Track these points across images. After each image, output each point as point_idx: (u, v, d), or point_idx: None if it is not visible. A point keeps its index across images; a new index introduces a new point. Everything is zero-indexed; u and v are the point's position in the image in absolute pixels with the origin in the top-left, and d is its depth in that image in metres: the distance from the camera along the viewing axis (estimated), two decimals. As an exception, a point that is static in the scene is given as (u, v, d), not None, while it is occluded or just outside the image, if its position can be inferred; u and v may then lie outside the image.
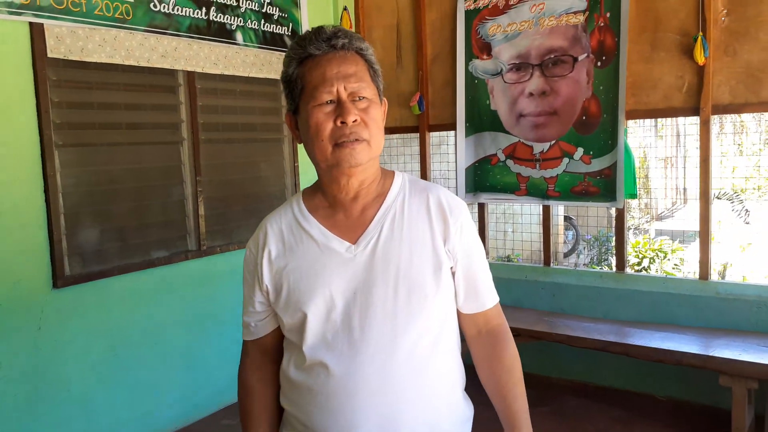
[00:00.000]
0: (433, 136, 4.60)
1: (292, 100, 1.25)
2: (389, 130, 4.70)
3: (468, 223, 1.26)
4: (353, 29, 4.63)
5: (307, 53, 1.19)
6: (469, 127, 4.22)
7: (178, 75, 3.51)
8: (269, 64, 4.03)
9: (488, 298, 1.30)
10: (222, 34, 3.68)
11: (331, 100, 1.18)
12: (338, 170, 1.19)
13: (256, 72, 3.94)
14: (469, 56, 4.19)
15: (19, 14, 2.75)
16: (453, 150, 5.13)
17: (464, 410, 1.31)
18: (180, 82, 3.52)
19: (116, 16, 3.11)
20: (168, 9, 3.36)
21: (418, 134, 4.55)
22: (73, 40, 2.96)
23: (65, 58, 2.94)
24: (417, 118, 4.49)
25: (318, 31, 1.20)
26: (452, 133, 4.89)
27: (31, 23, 2.81)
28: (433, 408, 1.21)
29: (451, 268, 1.24)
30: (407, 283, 1.19)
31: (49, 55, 2.89)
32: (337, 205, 1.26)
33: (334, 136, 1.17)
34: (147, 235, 3.35)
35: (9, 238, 2.74)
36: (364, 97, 1.19)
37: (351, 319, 1.19)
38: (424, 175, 4.54)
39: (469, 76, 4.19)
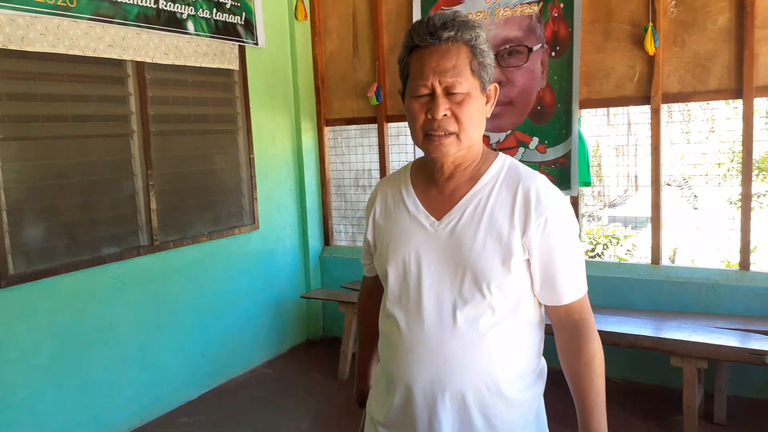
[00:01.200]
0: (391, 127, 4.58)
1: (403, 84, 1.35)
2: (346, 121, 4.67)
3: (557, 218, 1.27)
4: (308, 19, 4.57)
5: (414, 44, 1.26)
6: (427, 117, 4.22)
7: (127, 65, 3.40)
8: (222, 54, 3.94)
9: (567, 293, 1.31)
10: (172, 23, 3.57)
11: (425, 94, 1.25)
12: (431, 156, 1.30)
13: (208, 62, 3.84)
14: (426, 46, 4.17)
15: (-48, 0, 2.61)
16: (411, 141, 5.14)
17: (519, 389, 1.33)
18: (129, 72, 3.41)
19: (59, 3, 2.98)
20: (114, -4, 3.23)
21: (377, 125, 4.52)
22: (12, 29, 2.82)
23: (4, 47, 2.80)
24: (374, 109, 4.46)
25: (427, 21, 1.25)
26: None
27: (-35, 10, 2.67)
28: (481, 380, 1.28)
29: (528, 259, 1.27)
30: (473, 268, 1.26)
31: (-13, 44, 2.75)
32: (433, 182, 1.35)
33: (425, 128, 1.26)
34: (96, 231, 3.24)
35: (-53, 236, 2.61)
36: (457, 92, 1.23)
37: (422, 286, 1.31)
38: (382, 166, 4.53)
39: (426, 66, 4.18)
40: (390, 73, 4.39)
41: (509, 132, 3.95)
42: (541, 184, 1.29)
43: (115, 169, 3.36)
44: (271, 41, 4.34)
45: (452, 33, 1.22)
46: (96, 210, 3.25)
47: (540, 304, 1.36)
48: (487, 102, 1.31)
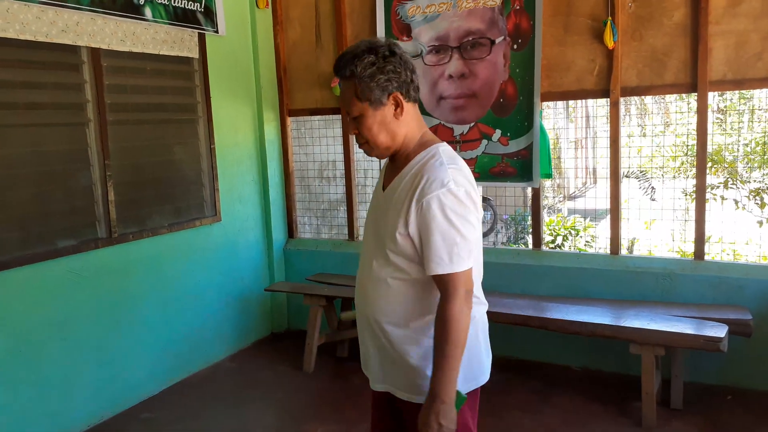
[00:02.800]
0: (355, 118, 4.55)
1: None
2: (309, 112, 4.62)
3: (433, 206, 1.55)
4: (269, 7, 4.50)
5: None
6: (391, 108, 4.21)
7: (82, 52, 3.28)
8: (181, 42, 3.84)
9: (432, 267, 1.58)
10: (129, 8, 3.46)
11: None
12: None
13: (167, 50, 3.74)
14: (390, 37, 4.16)
15: None
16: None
17: (406, 326, 1.68)
18: (84, 59, 3.29)
19: (8, -15, 2.85)
20: (67, -21, 3.11)
21: (340, 116, 4.49)
22: (-43, 11, 2.69)
23: (-51, 30, 2.67)
24: (338, 100, 4.43)
25: (336, 62, 1.64)
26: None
27: None
28: (379, 310, 1.70)
29: (410, 234, 1.60)
30: (381, 230, 1.68)
31: (-70, 26, 2.61)
32: (391, 161, 1.76)
33: (356, 140, 1.72)
34: (51, 223, 3.12)
35: None
36: (355, 117, 1.64)
37: (366, 237, 1.79)
38: (347, 157, 4.50)
39: (390, 57, 4.17)
40: (354, 63, 4.35)
41: (472, 124, 3.97)
42: (434, 175, 1.57)
43: (71, 159, 3.25)
44: (232, 29, 4.26)
45: (340, 73, 1.62)
46: (50, 202, 3.13)
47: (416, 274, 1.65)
48: (397, 107, 1.63)
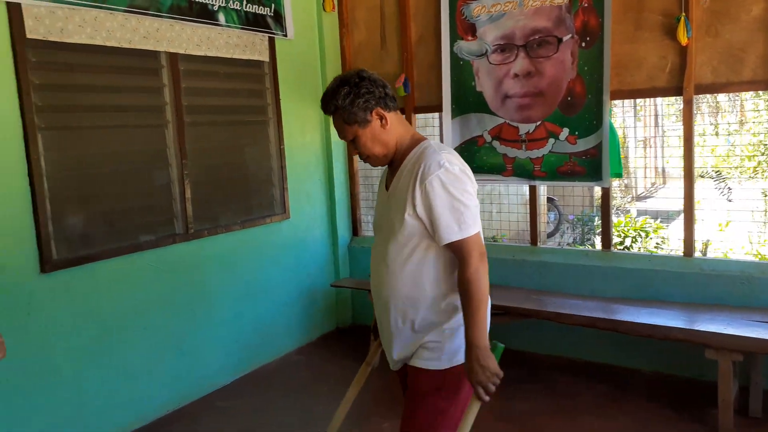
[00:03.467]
0: (419, 118, 4.60)
1: None
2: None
3: (434, 186, 1.76)
4: (336, 10, 4.59)
5: None
6: (455, 108, 4.23)
7: (161, 56, 3.45)
8: (252, 46, 3.98)
9: (444, 236, 1.78)
10: (204, 14, 3.62)
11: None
12: None
13: (239, 53, 3.89)
14: (454, 37, 4.18)
15: (-3, -7, 2.68)
16: (438, 132, 5.14)
17: (419, 301, 1.88)
18: (163, 63, 3.46)
19: (96, -5, 3.04)
20: (150, -12, 3.29)
21: (404, 116, 4.53)
22: (52, 21, 2.89)
23: (45, 39, 2.87)
24: (402, 100, 4.47)
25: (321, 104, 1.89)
26: (437, 114, 4.91)
27: (8, 3, 2.73)
28: (397, 295, 1.89)
29: (418, 215, 1.79)
30: (390, 221, 1.88)
31: (28, 35, 2.81)
32: (390, 164, 1.97)
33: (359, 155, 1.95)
34: (134, 218, 3.31)
35: (-7, 222, 2.69)
36: (351, 139, 1.87)
37: (376, 234, 2.02)
38: (410, 157, 4.52)
39: (455, 58, 4.19)
40: (418, 64, 4.40)
41: (539, 123, 3.93)
42: (430, 160, 1.78)
43: (152, 158, 3.43)
44: (300, 33, 4.38)
45: (327, 111, 1.86)
46: (133, 198, 3.32)
47: (444, 249, 1.83)
48: (381, 121, 1.84)
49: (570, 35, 3.78)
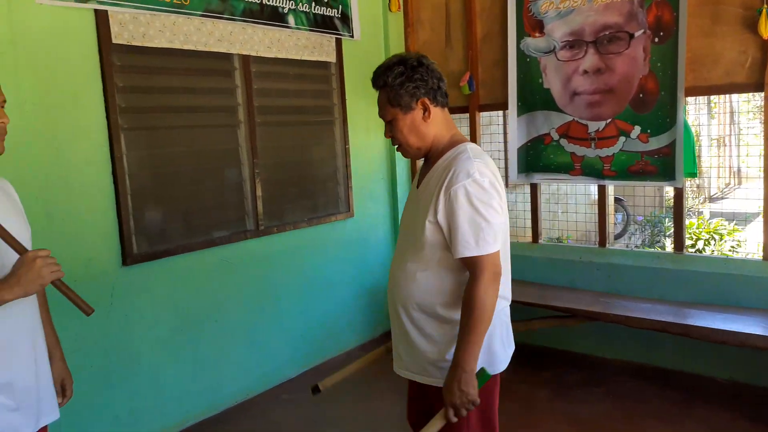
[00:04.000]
0: (483, 116, 4.57)
1: None
2: (438, 111, 4.68)
3: (459, 196, 1.70)
4: (401, 10, 4.63)
5: None
6: (522, 106, 4.18)
7: (234, 59, 3.57)
8: (320, 47, 4.06)
9: (458, 250, 1.71)
10: (274, 17, 3.72)
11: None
12: None
13: (308, 55, 3.98)
14: (521, 34, 4.13)
15: (85, 1, 2.84)
16: (502, 130, 5.09)
17: (431, 312, 1.83)
18: (236, 65, 3.58)
19: (174, 1, 3.18)
20: (224, -7, 3.41)
21: (468, 114, 4.52)
22: (135, 26, 3.04)
23: (128, 43, 3.02)
24: (467, 98, 4.46)
25: (372, 76, 1.85)
26: (501, 113, 4.86)
27: (96, 10, 2.90)
28: (411, 301, 1.84)
29: (438, 223, 1.74)
30: (415, 223, 1.82)
31: (114, 41, 2.97)
32: (425, 162, 1.92)
33: (392, 143, 1.90)
34: (208, 215, 3.45)
35: (81, 217, 2.86)
36: (389, 121, 1.83)
37: (401, 232, 1.96)
38: (474, 155, 4.51)
39: (521, 55, 4.14)
40: (483, 61, 4.37)
41: (609, 121, 3.84)
42: (460, 167, 1.71)
43: (225, 157, 3.56)
44: (366, 33, 4.43)
45: (375, 84, 1.84)
46: (207, 196, 3.45)
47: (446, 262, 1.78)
48: (425, 112, 1.80)
49: (642, 30, 3.67)
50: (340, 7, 4.19)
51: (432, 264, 1.78)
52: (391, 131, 1.83)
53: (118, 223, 3.00)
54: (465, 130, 4.69)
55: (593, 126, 3.91)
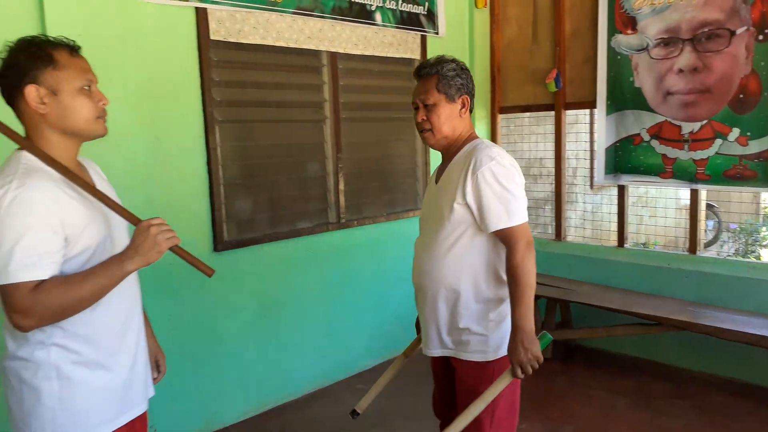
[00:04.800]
0: (568, 115, 4.46)
1: None
2: (521, 109, 4.63)
3: (485, 175, 1.87)
4: (487, 6, 4.59)
5: (415, 81, 2.06)
6: (611, 105, 4.05)
7: (322, 56, 3.66)
8: (405, 44, 4.09)
9: (493, 223, 1.88)
10: (362, 14, 3.79)
11: (415, 108, 2.04)
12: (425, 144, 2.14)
13: (393, 52, 4.02)
14: (612, 31, 4.00)
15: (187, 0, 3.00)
16: (587, 129, 4.95)
17: (460, 289, 1.98)
18: (324, 62, 3.67)
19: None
20: (315, -9, 3.50)
21: (553, 112, 4.43)
22: (231, 23, 3.18)
23: (225, 40, 3.16)
24: (552, 96, 4.37)
25: (418, 67, 2.03)
26: (587, 112, 4.73)
27: (196, 8, 3.05)
28: (440, 284, 1.99)
29: (467, 204, 1.90)
30: (438, 210, 1.99)
31: (212, 37, 3.12)
32: (443, 158, 2.11)
33: (418, 127, 2.04)
34: (293, 206, 3.56)
35: (177, 204, 3.02)
36: (428, 104, 1.98)
37: (423, 225, 2.13)
38: (558, 154, 4.42)
39: (612, 52, 4.01)
40: (571, 59, 4.27)
41: (705, 122, 3.66)
42: (482, 153, 1.90)
43: (310, 151, 3.66)
44: (451, 30, 4.43)
45: (426, 69, 1.99)
46: (293, 188, 3.57)
47: (491, 237, 1.93)
48: (462, 108, 2.00)
49: (745, 27, 3.47)
50: (427, 3, 4.20)
51: (462, 245, 1.94)
52: (428, 115, 1.97)
53: (211, 210, 3.16)
54: (549, 128, 4.60)
55: (687, 127, 3.74)
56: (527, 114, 4.75)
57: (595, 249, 4.29)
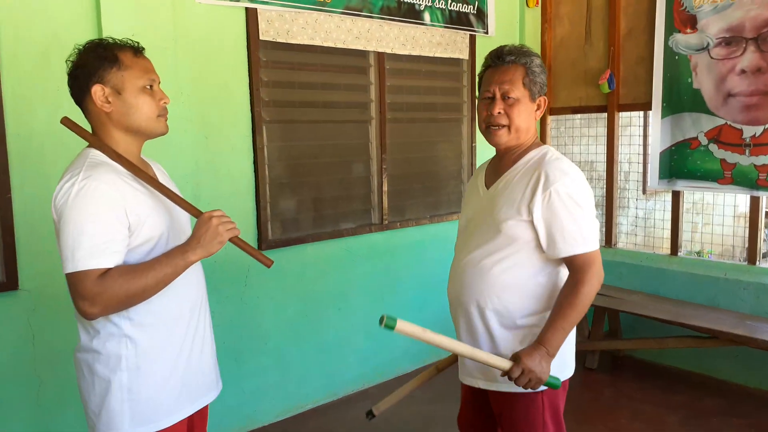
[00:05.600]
0: (621, 117, 4.32)
1: (478, 91, 1.89)
2: (572, 110, 4.51)
3: (559, 193, 1.68)
4: (539, 5, 4.49)
5: (488, 64, 1.83)
6: (666, 107, 3.90)
7: (369, 56, 3.65)
8: (453, 44, 4.04)
9: (563, 249, 1.70)
10: (411, 14, 3.76)
11: (488, 97, 1.79)
12: (490, 142, 1.84)
13: (441, 52, 3.97)
14: (670, 30, 3.85)
15: (238, 0, 3.03)
16: (641, 132, 4.78)
17: (506, 311, 1.79)
18: (371, 62, 3.66)
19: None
20: (364, -9, 3.49)
21: (606, 114, 4.30)
22: (281, 23, 3.20)
23: (274, 40, 3.18)
24: (605, 97, 4.24)
25: (499, 50, 1.81)
26: (640, 114, 4.57)
27: (246, 8, 3.08)
28: (483, 302, 1.80)
29: (532, 222, 1.70)
30: (491, 221, 1.78)
31: (261, 37, 3.14)
32: (494, 163, 1.92)
33: (486, 120, 1.80)
34: (336, 206, 3.56)
35: (224, 202, 3.06)
36: (510, 97, 1.75)
37: (465, 233, 1.92)
38: (610, 157, 4.29)
39: (669, 52, 3.86)
40: (625, 59, 4.13)
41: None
42: (554, 167, 1.71)
43: (355, 152, 3.65)
44: (501, 29, 4.35)
45: (512, 57, 1.77)
46: (337, 188, 3.57)
47: (546, 261, 1.76)
48: (537, 109, 1.81)
49: (816, 26, 3.28)
50: (476, 2, 4.14)
51: (514, 263, 1.76)
52: (507, 109, 1.76)
53: (256, 209, 3.19)
54: (601, 131, 4.47)
55: (749, 131, 3.56)
56: (578, 115, 4.62)
57: (646, 257, 4.14)
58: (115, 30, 2.54)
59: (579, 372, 3.93)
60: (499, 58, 1.78)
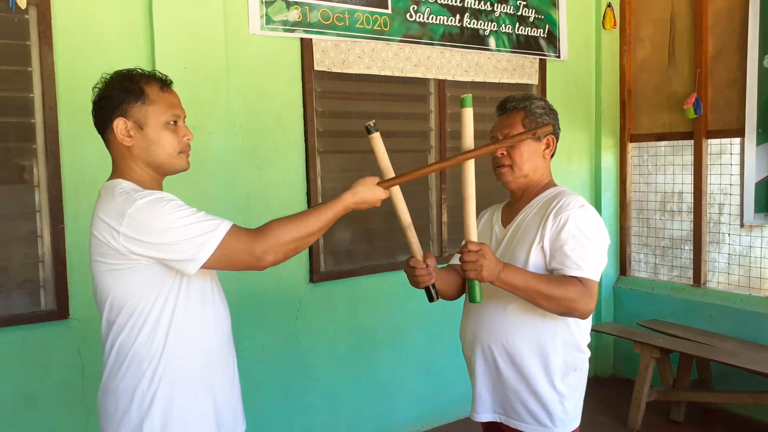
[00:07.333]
0: (712, 144, 3.93)
1: None
2: (655, 137, 4.17)
3: (570, 219, 1.70)
4: (617, 26, 4.22)
5: (497, 114, 1.95)
6: (762, 133, 3.50)
7: (430, 84, 3.54)
8: (521, 69, 3.86)
9: (570, 267, 1.68)
10: (474, 40, 3.62)
11: (495, 141, 1.85)
12: (499, 181, 1.92)
13: (507, 78, 3.80)
14: (765, 49, 3.48)
15: (292, 31, 3.03)
16: (736, 161, 4.34)
17: (529, 349, 1.78)
18: (431, 90, 3.55)
19: (375, 28, 3.25)
20: (423, 18, 3.40)
21: (693, 141, 3.93)
22: (336, 53, 3.16)
23: (329, 70, 3.15)
24: (691, 123, 3.89)
25: (504, 99, 1.92)
26: (736, 141, 4.16)
27: (301, 39, 3.07)
28: (502, 338, 1.81)
29: (543, 246, 1.74)
30: (509, 257, 1.80)
31: (316, 68, 3.12)
32: (511, 202, 1.98)
33: (493, 163, 1.90)
34: (392, 238, 3.43)
35: (275, 234, 3.02)
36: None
37: None
38: (698, 188, 3.90)
39: (764, 73, 3.48)
40: (714, 81, 3.78)
41: None
42: (569, 198, 1.75)
43: (413, 182, 3.48)
44: (574, 53, 4.12)
45: (513, 104, 1.88)
46: (393, 219, 3.41)
47: None
48: (546, 148, 1.86)
49: None
50: (547, 26, 3.95)
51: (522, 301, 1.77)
52: (509, 150, 1.83)
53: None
54: (687, 159, 4.09)
55: None
56: (662, 143, 4.27)
57: (742, 299, 3.69)
58: (168, 62, 2.59)
59: (663, 424, 3.55)
60: (503, 106, 1.92)
